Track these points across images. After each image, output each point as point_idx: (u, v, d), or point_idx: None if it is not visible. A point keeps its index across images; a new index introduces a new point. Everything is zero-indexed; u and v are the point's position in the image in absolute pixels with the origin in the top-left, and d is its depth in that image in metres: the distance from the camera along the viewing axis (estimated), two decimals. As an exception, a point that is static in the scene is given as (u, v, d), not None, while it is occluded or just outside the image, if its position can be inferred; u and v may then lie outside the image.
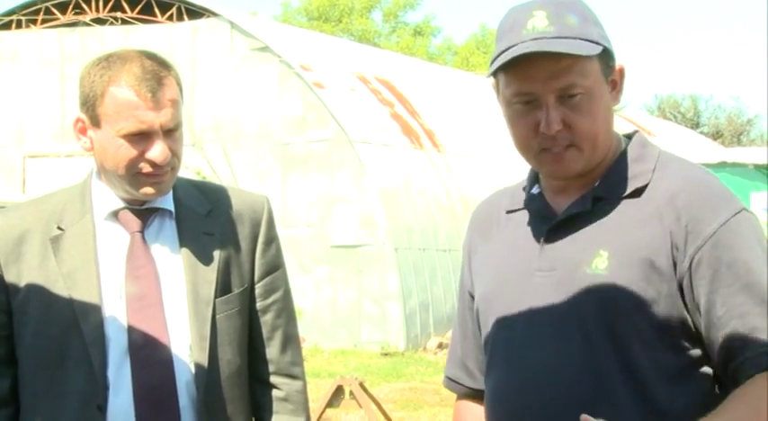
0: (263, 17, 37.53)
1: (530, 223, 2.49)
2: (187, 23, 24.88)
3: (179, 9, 25.10)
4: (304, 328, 19.81)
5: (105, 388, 2.65)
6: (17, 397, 2.75)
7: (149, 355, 2.67)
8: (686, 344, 2.32)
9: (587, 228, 2.37)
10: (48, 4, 26.17)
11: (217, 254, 2.77)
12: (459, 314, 2.75)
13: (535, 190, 2.53)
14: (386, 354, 20.91)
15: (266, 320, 2.85)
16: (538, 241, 2.45)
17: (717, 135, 48.69)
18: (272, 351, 2.85)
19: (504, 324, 2.46)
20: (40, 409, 2.72)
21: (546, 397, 2.35)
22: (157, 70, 2.64)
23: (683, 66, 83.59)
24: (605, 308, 2.31)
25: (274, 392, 2.86)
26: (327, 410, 9.12)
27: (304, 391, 2.92)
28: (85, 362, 2.65)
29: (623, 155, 2.44)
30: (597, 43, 2.33)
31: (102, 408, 2.64)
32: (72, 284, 2.70)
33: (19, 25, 26.34)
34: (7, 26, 26.43)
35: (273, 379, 2.86)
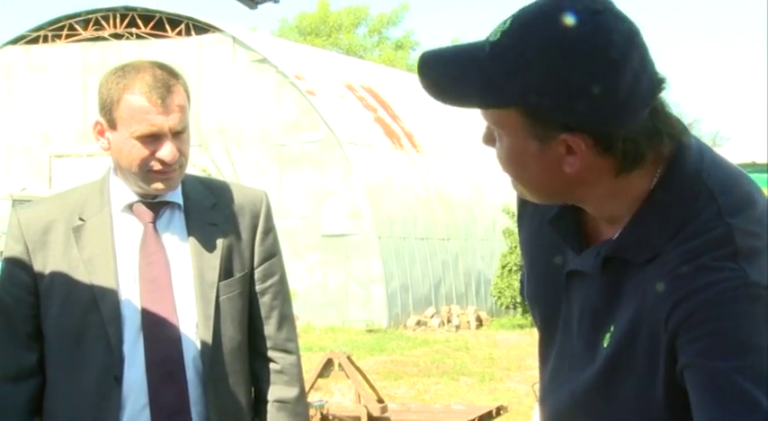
0: (261, 32, 37.45)
1: (551, 233, 1.85)
2: (194, 38, 24.85)
3: (187, 25, 25.08)
4: (298, 308, 19.82)
5: (121, 361, 2.64)
6: (44, 369, 2.74)
7: (160, 333, 2.67)
8: None
9: (598, 289, 1.74)
10: (71, 21, 26.13)
11: (220, 242, 2.76)
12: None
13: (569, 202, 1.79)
14: (370, 331, 20.93)
15: (264, 301, 2.84)
16: (561, 272, 1.83)
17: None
18: (269, 328, 2.84)
19: (547, 335, 1.95)
20: (64, 380, 2.71)
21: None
22: (167, 79, 2.63)
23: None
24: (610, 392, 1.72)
25: (271, 365, 2.85)
26: (319, 380, 9.11)
27: (298, 364, 2.91)
28: (104, 338, 2.64)
29: (644, 205, 1.67)
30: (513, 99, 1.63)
31: (118, 380, 2.64)
32: (92, 269, 2.69)
33: (46, 40, 26.28)
34: (36, 41, 26.36)
35: (271, 353, 2.85)
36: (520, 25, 1.59)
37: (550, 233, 1.84)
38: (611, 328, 1.68)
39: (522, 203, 1.98)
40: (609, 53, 1.53)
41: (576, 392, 1.77)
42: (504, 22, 1.62)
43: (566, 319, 1.82)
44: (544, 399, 1.94)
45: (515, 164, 1.73)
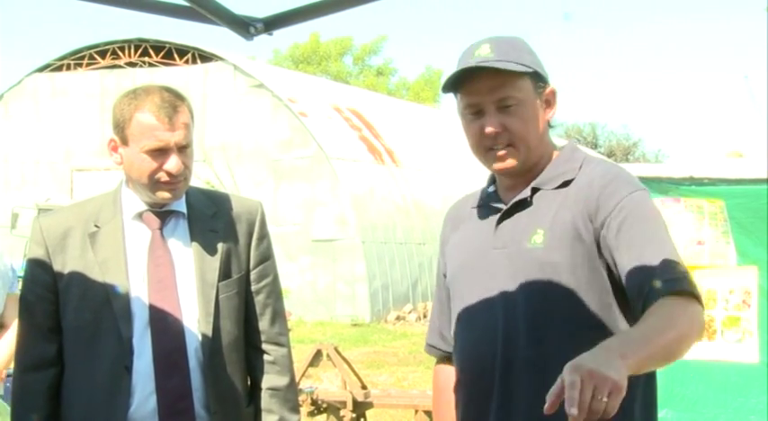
0: (259, 61, 37.41)
1: (487, 214, 2.50)
2: (200, 66, 24.82)
3: (193, 55, 25.05)
4: (290, 305, 19.80)
5: (131, 352, 2.62)
6: (62, 359, 2.72)
7: (166, 327, 2.65)
8: (610, 299, 2.31)
9: (527, 212, 2.39)
10: (91, 51, 26.10)
11: (220, 247, 2.74)
12: (437, 293, 2.71)
13: (491, 188, 2.54)
14: (355, 325, 20.90)
15: (259, 299, 2.82)
16: (492, 225, 2.45)
17: (610, 154, 48.92)
18: (263, 324, 2.83)
19: (467, 293, 2.47)
20: (80, 369, 2.69)
21: (502, 349, 2.34)
22: (173, 100, 2.63)
23: (584, 99, 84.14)
24: (544, 272, 2.31)
25: (265, 357, 2.83)
26: (309, 369, 9.07)
27: (289, 356, 2.90)
28: (115, 331, 2.63)
29: (556, 159, 2.46)
30: (528, 66, 2.37)
31: (128, 369, 2.62)
32: (105, 270, 2.67)
33: (69, 68, 26.24)
34: (60, 68, 26.32)
35: (264, 346, 2.83)
36: (500, 40, 2.44)
37: (477, 221, 2.52)
38: (538, 231, 2.33)
39: (445, 230, 2.68)
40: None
41: (518, 290, 2.33)
42: (481, 45, 2.43)
43: (489, 262, 2.41)
44: (479, 319, 2.41)
45: (529, 118, 2.38)
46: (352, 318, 21.51)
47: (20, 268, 4.63)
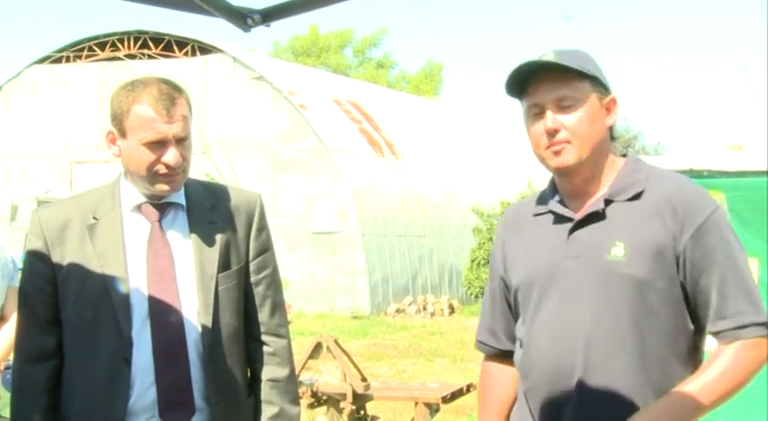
0: (258, 53, 37.38)
1: (555, 223, 2.55)
2: (199, 58, 24.80)
3: (193, 47, 25.02)
4: (290, 297, 19.81)
5: (130, 345, 2.62)
6: (62, 351, 2.72)
7: (165, 319, 2.65)
8: (685, 313, 2.44)
9: (603, 224, 2.46)
10: (91, 43, 26.07)
11: (219, 238, 2.74)
12: (490, 293, 2.78)
13: (556, 198, 2.59)
14: (355, 317, 20.91)
15: (258, 291, 2.82)
16: (564, 235, 2.51)
17: (612, 146, 48.91)
18: (263, 315, 2.83)
19: (543, 300, 2.52)
20: (80, 361, 2.69)
21: (579, 357, 2.43)
22: (171, 92, 2.62)
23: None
24: (624, 287, 2.40)
25: (265, 348, 2.83)
26: (309, 361, 9.07)
27: (289, 347, 2.89)
28: (114, 324, 2.62)
29: (623, 169, 2.53)
30: (591, 72, 2.47)
31: (127, 361, 2.62)
32: (104, 262, 2.67)
33: (68, 60, 26.21)
34: (59, 60, 26.30)
35: (264, 337, 2.83)
36: (564, 50, 2.49)
37: (543, 230, 2.57)
38: (618, 244, 2.40)
39: (506, 235, 2.72)
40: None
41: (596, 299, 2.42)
42: (546, 53, 2.49)
43: (564, 272, 2.47)
44: (560, 326, 2.46)
45: (587, 118, 2.45)
46: (351, 311, 21.52)
47: (19, 260, 4.63)
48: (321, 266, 22.62)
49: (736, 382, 2.40)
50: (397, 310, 22.19)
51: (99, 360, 2.64)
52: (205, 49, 24.84)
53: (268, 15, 2.37)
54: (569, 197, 2.56)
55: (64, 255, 2.70)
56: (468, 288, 22.54)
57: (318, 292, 22.31)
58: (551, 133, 2.46)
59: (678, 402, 2.33)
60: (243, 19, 2.35)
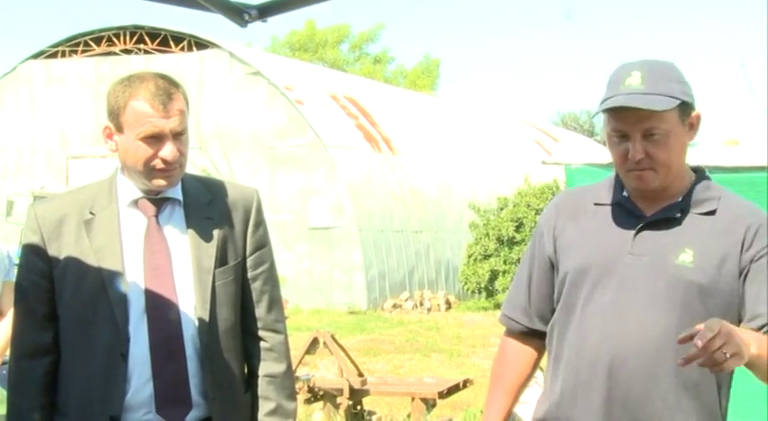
0: (255, 48, 37.33)
1: (620, 216, 2.62)
2: (195, 53, 24.78)
3: (189, 42, 24.99)
4: (287, 293, 19.78)
5: (127, 340, 2.62)
6: (58, 346, 2.71)
7: (162, 314, 2.65)
8: (735, 323, 2.46)
9: (675, 230, 2.56)
10: (86, 38, 26.03)
11: (216, 234, 2.74)
12: (528, 270, 2.82)
13: (625, 193, 2.65)
14: (352, 313, 20.93)
15: (255, 286, 2.82)
16: (631, 231, 2.58)
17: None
18: (260, 311, 2.82)
19: (597, 289, 2.58)
20: (76, 356, 2.69)
21: (635, 347, 2.50)
22: (168, 87, 2.62)
23: (581, 88, 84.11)
24: (688, 291, 2.49)
25: (262, 344, 2.83)
26: (306, 357, 9.09)
27: (286, 343, 2.89)
28: (111, 319, 2.62)
29: (696, 183, 2.62)
30: (676, 98, 2.50)
31: (124, 356, 2.62)
32: (101, 257, 2.66)
33: (63, 55, 26.17)
34: (54, 55, 26.26)
35: (261, 333, 2.83)
36: (652, 68, 2.55)
37: (607, 220, 2.63)
38: (687, 250, 2.50)
39: (559, 218, 2.74)
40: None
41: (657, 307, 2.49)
42: (632, 72, 2.54)
43: (624, 266, 2.54)
44: (616, 319, 2.52)
45: (673, 146, 2.52)
46: (348, 306, 21.53)
47: (15, 255, 4.63)
48: (318, 262, 22.63)
49: None
50: (394, 306, 22.21)
51: (96, 355, 2.64)
52: (201, 45, 24.82)
53: (265, 11, 2.38)
54: (639, 198, 2.63)
55: (60, 250, 2.70)
56: (465, 283, 22.55)
57: (315, 288, 22.31)
58: (633, 160, 2.52)
59: (758, 343, 2.37)
60: (240, 14, 2.36)
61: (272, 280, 2.87)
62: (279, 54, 40.86)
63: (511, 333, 2.87)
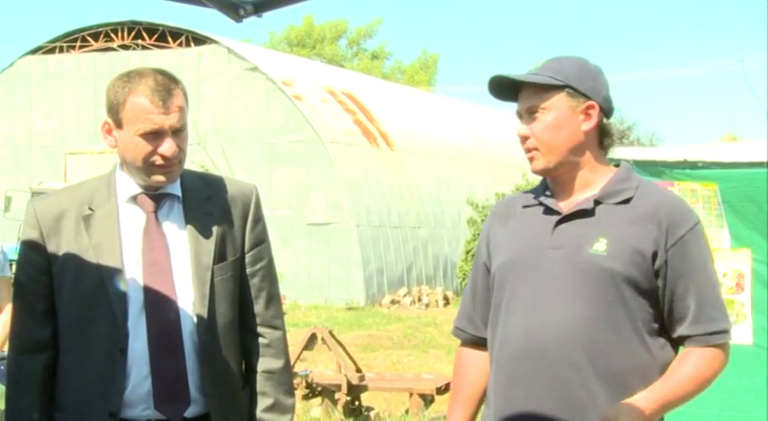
0: (253, 44, 37.30)
1: (542, 214, 2.71)
2: (193, 49, 24.77)
3: (187, 38, 25.00)
4: (285, 289, 19.80)
5: (126, 335, 2.62)
6: (57, 342, 2.71)
7: (161, 310, 2.65)
8: (651, 309, 2.58)
9: (589, 221, 2.62)
10: (84, 33, 26.04)
11: (215, 230, 2.74)
12: (472, 279, 2.91)
13: (547, 193, 2.74)
14: (350, 309, 20.94)
15: (254, 283, 2.82)
16: (549, 227, 2.66)
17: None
18: (258, 307, 2.82)
19: (519, 286, 2.66)
20: (75, 352, 2.69)
21: (553, 337, 2.56)
22: (167, 83, 2.62)
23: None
24: (602, 278, 2.55)
25: (260, 340, 2.83)
26: (304, 352, 9.11)
27: (284, 339, 2.89)
28: (110, 315, 2.62)
29: (615, 176, 2.69)
30: (561, 81, 2.62)
31: (123, 352, 2.62)
32: (100, 253, 2.66)
33: (61, 50, 26.18)
34: (52, 51, 26.26)
35: (259, 329, 2.83)
36: (555, 58, 2.68)
37: (530, 219, 2.71)
38: (600, 240, 2.55)
39: (492, 224, 2.84)
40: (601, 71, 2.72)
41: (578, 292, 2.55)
42: (539, 63, 2.67)
43: (544, 260, 2.61)
44: (535, 310, 2.59)
45: (555, 125, 2.61)
46: (346, 302, 21.55)
47: (12, 251, 4.63)
48: (316, 258, 22.64)
49: (704, 383, 2.58)
50: (392, 302, 22.22)
51: (94, 351, 2.64)
52: (199, 40, 24.82)
53: (260, 6, 2.37)
54: (559, 194, 2.71)
55: (59, 246, 2.70)
56: (463, 279, 22.55)
57: (313, 284, 22.33)
58: (522, 139, 2.67)
59: (656, 398, 2.49)
60: (235, 9, 2.35)
61: (270, 276, 2.88)
62: (277, 50, 40.83)
63: (463, 343, 2.95)
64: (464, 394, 2.88)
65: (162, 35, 25.30)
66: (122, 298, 2.64)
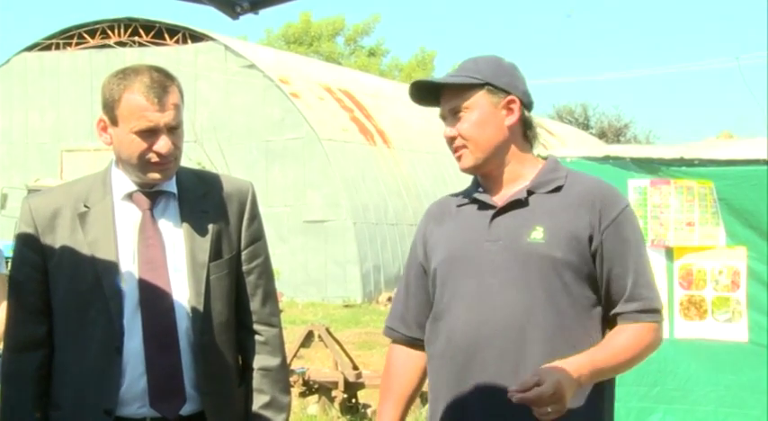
0: (250, 41, 37.27)
1: (476, 210, 2.75)
2: (190, 46, 24.76)
3: (184, 35, 24.99)
4: (282, 286, 19.79)
5: (121, 333, 2.62)
6: (52, 340, 2.71)
7: (156, 307, 2.65)
8: (592, 292, 2.65)
9: (524, 211, 2.67)
10: (80, 30, 26.03)
11: (211, 227, 2.73)
12: (405, 280, 2.93)
13: (480, 189, 2.78)
14: (347, 306, 20.94)
15: (250, 280, 2.82)
16: (486, 221, 2.69)
17: (602, 135, 48.76)
18: (254, 304, 2.82)
19: (459, 281, 2.69)
20: (70, 350, 2.69)
21: (500, 327, 2.60)
22: (163, 80, 2.62)
23: (575, 80, 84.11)
24: (543, 266, 2.60)
25: (256, 337, 2.83)
26: (301, 350, 9.09)
27: (280, 336, 2.89)
28: (106, 312, 2.63)
29: (544, 167, 2.75)
30: (478, 79, 2.69)
31: (119, 350, 2.62)
32: (95, 251, 2.66)
33: (58, 47, 26.15)
34: (48, 48, 26.24)
35: (256, 326, 2.83)
36: (471, 59, 2.77)
37: (466, 217, 2.75)
38: (537, 228, 2.61)
39: (428, 223, 2.90)
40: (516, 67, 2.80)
41: (518, 282, 2.60)
42: (455, 66, 2.72)
43: (483, 253, 2.65)
44: (479, 302, 2.63)
45: (479, 123, 2.68)
46: (343, 299, 21.55)
47: (9, 249, 4.63)
48: (313, 255, 22.64)
49: (634, 357, 2.63)
50: (389, 299, 22.18)
51: (90, 348, 2.64)
52: (196, 37, 24.80)
53: (256, 3, 2.37)
54: (491, 189, 2.76)
55: (55, 243, 2.69)
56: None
57: (310, 281, 22.33)
58: (449, 140, 2.73)
59: (586, 362, 2.51)
60: (232, 6, 2.35)
61: (266, 273, 2.88)
62: (274, 47, 40.80)
63: (394, 343, 2.96)
64: (396, 392, 2.89)
65: (159, 32, 25.28)
66: (118, 295, 2.64)
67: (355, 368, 8.75)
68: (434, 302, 2.77)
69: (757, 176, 5.25)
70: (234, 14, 2.36)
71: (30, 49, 26.47)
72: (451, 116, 2.72)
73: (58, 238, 2.70)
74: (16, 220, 2.85)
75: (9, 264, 3.19)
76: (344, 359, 8.74)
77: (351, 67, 41.01)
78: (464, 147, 2.70)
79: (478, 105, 2.69)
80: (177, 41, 25.06)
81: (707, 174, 5.36)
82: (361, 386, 8.75)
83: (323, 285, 22.36)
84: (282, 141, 23.16)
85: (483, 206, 2.73)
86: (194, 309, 2.68)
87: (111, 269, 2.65)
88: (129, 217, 2.72)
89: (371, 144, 24.40)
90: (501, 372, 2.58)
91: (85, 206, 2.72)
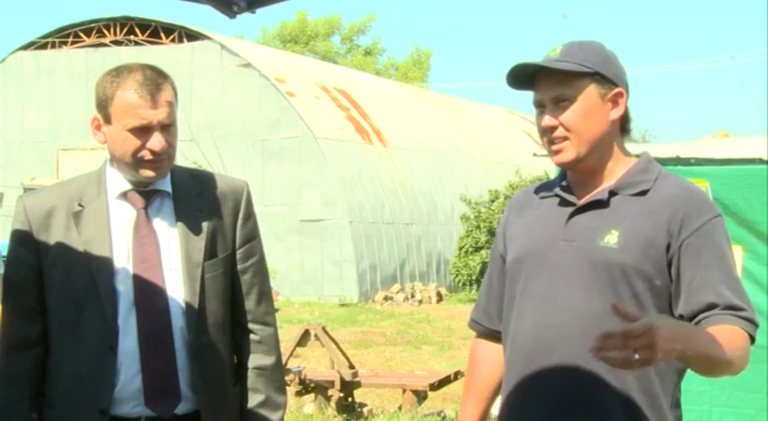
0: (246, 40, 37.26)
1: (557, 205, 2.63)
2: (186, 45, 24.75)
3: (180, 33, 24.97)
4: (278, 285, 19.81)
5: (116, 333, 2.62)
6: (47, 339, 2.71)
7: (151, 307, 2.64)
8: (665, 306, 2.49)
9: (603, 212, 2.54)
10: (76, 29, 26.00)
11: (206, 226, 2.73)
12: (489, 272, 2.85)
13: (564, 183, 2.66)
14: (343, 305, 20.94)
15: (245, 279, 2.81)
16: (563, 218, 2.59)
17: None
18: (249, 303, 2.82)
19: (531, 278, 2.60)
20: (65, 349, 2.68)
21: (563, 334, 2.50)
22: (156, 78, 2.61)
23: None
24: (613, 272, 2.47)
25: (251, 336, 2.82)
26: (297, 349, 9.10)
27: (275, 335, 2.89)
28: (100, 311, 2.62)
29: (633, 166, 2.60)
30: (588, 67, 2.53)
31: (113, 349, 2.61)
32: (90, 250, 2.66)
33: (53, 46, 26.12)
34: (44, 47, 26.20)
35: (251, 325, 2.82)
36: (574, 43, 2.60)
37: (545, 211, 2.64)
38: (612, 232, 2.48)
39: (509, 214, 2.78)
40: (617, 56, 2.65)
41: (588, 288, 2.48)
42: (557, 47, 2.58)
43: (556, 252, 2.54)
44: (546, 303, 2.53)
45: (584, 114, 2.52)
46: (339, 299, 21.55)
47: (5, 247, 4.61)
48: (309, 254, 22.64)
49: (735, 358, 2.34)
50: (385, 298, 22.23)
51: (85, 348, 2.64)
52: (192, 36, 24.79)
53: (253, 2, 2.37)
54: (576, 185, 2.63)
55: (49, 242, 2.69)
56: (456, 276, 22.60)
57: (306, 280, 22.34)
58: (548, 130, 2.55)
59: (693, 334, 2.28)
60: (228, 5, 2.35)
61: (261, 272, 2.87)
62: (270, 46, 40.79)
63: (478, 336, 2.89)
64: (477, 387, 2.84)
65: (155, 31, 25.27)
66: (112, 294, 2.63)
67: (351, 367, 8.76)
68: (505, 300, 2.70)
69: (753, 176, 5.25)
70: (231, 13, 2.36)
71: (26, 47, 26.44)
72: (552, 105, 2.54)
73: (53, 237, 2.69)
74: (12, 219, 2.84)
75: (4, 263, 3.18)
76: (341, 358, 8.74)
77: (347, 65, 41.02)
78: (565, 139, 2.54)
79: (586, 95, 2.53)
80: (173, 40, 25.05)
81: (703, 174, 5.36)
82: (358, 385, 8.76)
83: (319, 284, 22.37)
84: (278, 140, 23.16)
85: (564, 202, 2.62)
86: (189, 308, 2.67)
87: (105, 268, 2.64)
88: (123, 216, 2.71)
89: (367, 143, 24.40)
90: (559, 381, 2.51)
91: (80, 205, 2.72)
